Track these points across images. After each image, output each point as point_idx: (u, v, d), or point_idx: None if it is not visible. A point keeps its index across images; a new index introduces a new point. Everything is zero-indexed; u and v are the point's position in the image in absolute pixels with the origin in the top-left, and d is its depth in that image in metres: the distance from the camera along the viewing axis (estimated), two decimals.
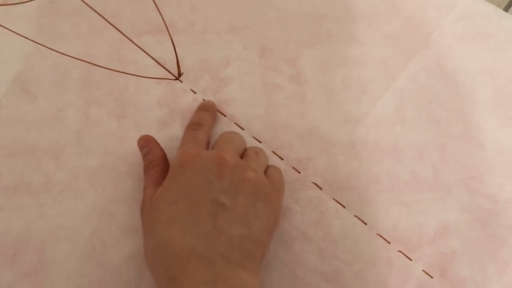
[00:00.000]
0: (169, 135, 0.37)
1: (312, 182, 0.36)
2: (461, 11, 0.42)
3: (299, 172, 0.36)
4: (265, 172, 0.33)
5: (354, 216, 0.36)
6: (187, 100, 0.38)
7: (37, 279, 0.32)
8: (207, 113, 0.37)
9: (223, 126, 0.38)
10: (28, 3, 0.41)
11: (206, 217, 0.29)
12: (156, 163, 0.34)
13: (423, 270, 0.35)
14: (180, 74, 0.39)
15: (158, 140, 0.36)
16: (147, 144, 0.35)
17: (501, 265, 0.35)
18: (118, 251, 0.34)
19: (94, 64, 0.39)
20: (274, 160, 0.37)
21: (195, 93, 0.38)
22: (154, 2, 0.41)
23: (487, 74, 0.40)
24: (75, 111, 0.37)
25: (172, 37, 0.40)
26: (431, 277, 0.34)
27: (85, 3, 0.41)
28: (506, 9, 0.45)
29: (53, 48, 0.39)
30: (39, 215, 0.34)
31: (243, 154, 0.34)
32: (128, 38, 0.40)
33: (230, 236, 0.29)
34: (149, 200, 0.32)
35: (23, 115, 0.37)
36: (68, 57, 0.39)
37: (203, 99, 0.38)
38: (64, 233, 0.34)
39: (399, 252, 0.35)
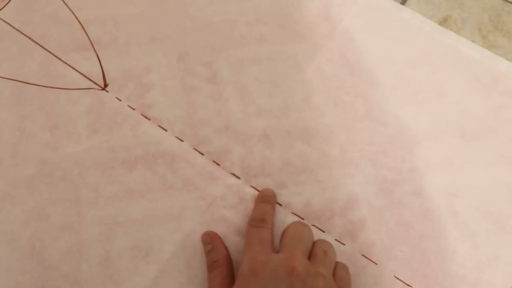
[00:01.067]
0: (98, 139, 0.41)
1: (231, 173, 0.41)
2: (361, 6, 0.48)
3: (219, 165, 0.41)
4: (334, 272, 0.34)
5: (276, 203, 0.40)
6: (114, 106, 0.43)
7: None
8: (269, 205, 0.38)
9: (147, 128, 0.42)
10: None
11: None
12: (220, 262, 0.35)
13: (335, 239, 0.39)
14: (106, 85, 0.44)
15: (88, 147, 0.40)
16: (211, 241, 0.36)
17: (406, 227, 0.40)
18: (56, 247, 0.38)
19: (25, 82, 0.43)
20: (194, 156, 0.41)
21: (120, 100, 0.43)
22: (79, 22, 0.46)
23: (387, 61, 0.46)
24: (9, 126, 0.41)
25: (97, 52, 0.45)
26: (343, 244, 0.39)
27: (14, 28, 0.45)
28: (403, 2, 0.51)
29: None
30: None
31: (311, 251, 0.34)
32: (56, 56, 0.44)
33: None
34: None
35: None
36: (0, 78, 0.43)
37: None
38: (5, 238, 0.38)
39: (313, 226, 0.39)
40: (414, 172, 0.41)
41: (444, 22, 0.49)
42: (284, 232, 0.35)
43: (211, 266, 0.35)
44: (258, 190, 0.39)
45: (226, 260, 0.35)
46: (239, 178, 0.40)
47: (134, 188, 0.39)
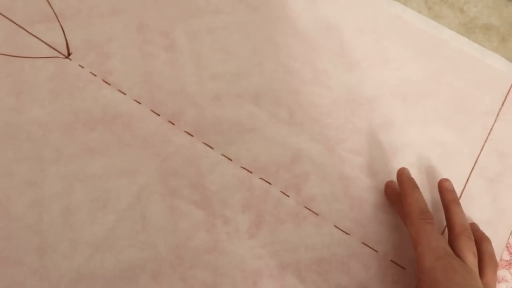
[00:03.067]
0: (61, 103, 0.46)
1: (185, 131, 0.45)
2: None
3: (173, 124, 0.46)
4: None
5: (221, 155, 0.45)
6: (76, 73, 0.47)
7: None
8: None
9: (108, 92, 0.47)
10: None
11: None
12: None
13: (280, 191, 0.44)
14: (69, 54, 0.48)
15: (52, 111, 0.46)
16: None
17: (347, 182, 0.45)
18: (20, 202, 0.42)
19: None
20: (151, 117, 0.46)
21: (82, 67, 0.48)
22: None
23: (336, 29, 0.50)
24: None
25: (61, 23, 0.49)
26: (288, 196, 0.44)
27: None
28: None
29: None
30: None
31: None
32: (21, 27, 0.49)
33: None
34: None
35: None
36: None
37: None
38: None
39: (260, 179, 0.44)
40: (356, 131, 0.46)
41: None
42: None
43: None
44: (210, 147, 0.44)
45: None
46: (192, 135, 0.44)
47: (94, 146, 0.44)
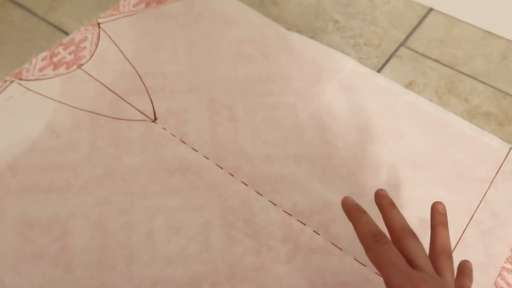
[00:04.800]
0: (148, 155, 0.63)
1: (241, 181, 0.62)
2: (347, 72, 0.71)
3: (233, 175, 0.62)
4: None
5: (269, 200, 0.60)
6: (160, 133, 0.63)
7: None
8: (365, 214, 0.44)
9: (183, 149, 0.64)
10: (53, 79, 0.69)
11: None
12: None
13: (313, 230, 0.59)
14: (155, 118, 0.66)
15: (141, 160, 0.62)
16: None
17: None
18: (115, 223, 0.56)
19: (99, 114, 0.66)
20: (215, 169, 0.61)
21: (165, 129, 0.65)
22: (138, 75, 0.70)
23: (362, 111, 0.67)
24: (86, 142, 0.63)
25: (150, 96, 0.68)
26: (318, 234, 0.59)
27: (92, 77, 0.69)
28: (378, 71, 0.74)
29: (72, 105, 0.67)
30: None
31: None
32: (121, 98, 0.68)
33: None
34: None
35: None
36: (82, 110, 0.66)
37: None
38: (79, 215, 0.57)
39: (297, 220, 0.59)
40: (374, 188, 0.57)
41: (409, 85, 0.71)
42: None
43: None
44: (260, 194, 0.60)
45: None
46: (247, 185, 0.60)
47: (172, 188, 0.59)
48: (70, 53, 0.68)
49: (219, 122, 0.63)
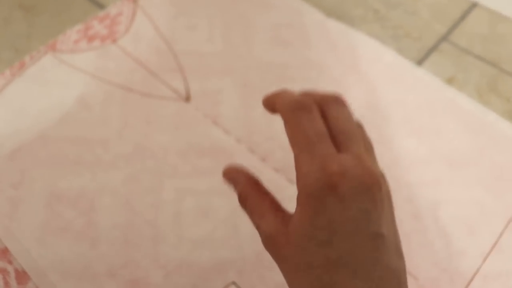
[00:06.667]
0: (179, 134, 0.62)
1: (273, 168, 0.61)
2: (386, 63, 0.67)
3: (264, 161, 0.61)
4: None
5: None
6: (192, 114, 0.62)
7: None
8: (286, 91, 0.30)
9: (215, 131, 0.63)
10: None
11: (371, 254, 0.25)
12: (244, 194, 0.33)
13: None
14: (188, 98, 0.65)
15: (172, 139, 0.59)
16: (230, 178, 0.34)
17: (398, 225, 0.58)
18: (143, 202, 0.56)
19: (131, 91, 0.65)
20: (247, 153, 0.60)
21: (197, 110, 0.64)
22: (174, 53, 0.68)
23: (400, 104, 0.66)
24: (117, 118, 0.62)
25: (185, 75, 0.67)
26: None
27: (126, 53, 0.68)
28: (419, 63, 0.72)
29: (105, 79, 0.66)
30: None
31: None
32: (156, 76, 0.67)
33: (396, 272, 0.25)
34: (280, 235, 0.29)
35: None
36: (114, 86, 0.65)
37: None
38: (107, 192, 0.57)
39: None
40: (409, 185, 0.59)
41: (449, 81, 0.69)
42: (334, 124, 0.29)
43: (241, 203, 0.33)
44: (291, 183, 0.59)
45: (251, 188, 0.32)
46: (278, 171, 0.59)
47: (202, 170, 0.59)
48: (105, 27, 0.67)
49: (253, 105, 0.61)
